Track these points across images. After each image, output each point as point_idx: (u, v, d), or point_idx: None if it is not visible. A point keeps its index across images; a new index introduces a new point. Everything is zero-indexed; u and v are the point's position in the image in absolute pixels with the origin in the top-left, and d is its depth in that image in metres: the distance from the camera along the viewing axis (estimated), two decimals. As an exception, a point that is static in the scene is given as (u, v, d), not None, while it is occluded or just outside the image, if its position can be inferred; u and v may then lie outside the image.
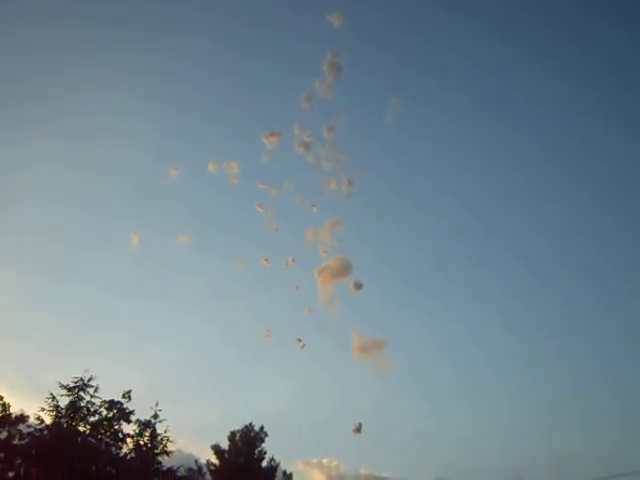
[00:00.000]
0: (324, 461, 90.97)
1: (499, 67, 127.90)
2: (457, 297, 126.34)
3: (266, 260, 58.14)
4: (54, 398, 31.47)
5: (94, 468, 31.03)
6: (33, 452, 30.57)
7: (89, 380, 32.23)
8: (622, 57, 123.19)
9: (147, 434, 33.22)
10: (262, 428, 47.49)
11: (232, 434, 47.01)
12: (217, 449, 46.25)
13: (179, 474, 35.71)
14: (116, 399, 32.59)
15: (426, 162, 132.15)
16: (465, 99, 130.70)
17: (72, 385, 31.92)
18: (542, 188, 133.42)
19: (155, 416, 33.61)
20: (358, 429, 45.52)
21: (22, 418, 33.27)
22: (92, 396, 32.07)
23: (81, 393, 31.98)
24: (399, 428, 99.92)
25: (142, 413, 33.42)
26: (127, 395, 33.01)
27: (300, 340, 50.18)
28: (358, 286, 54.07)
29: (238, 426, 47.44)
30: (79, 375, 32.21)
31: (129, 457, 32.44)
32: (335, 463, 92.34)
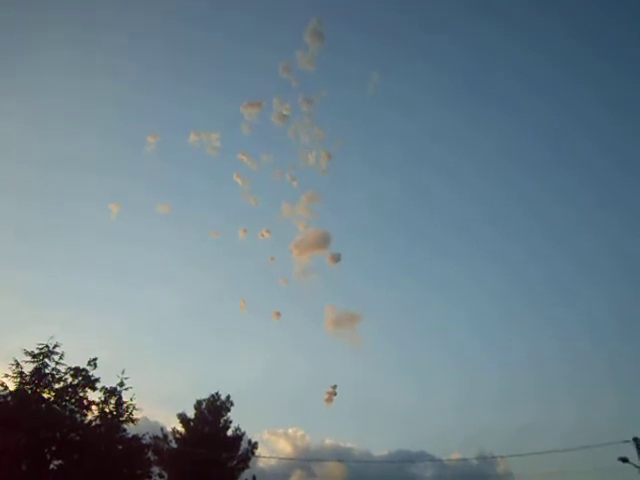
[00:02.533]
0: (290, 431, 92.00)
1: (479, 45, 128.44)
2: (434, 272, 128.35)
3: (244, 231, 57.81)
4: (18, 364, 31.17)
5: (58, 435, 30.85)
6: (-4, 418, 30.25)
7: (54, 347, 32.01)
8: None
9: (112, 402, 33.10)
10: (228, 398, 47.87)
11: (198, 403, 47.28)
12: (183, 418, 46.48)
13: (144, 442, 35.76)
14: (82, 366, 32.43)
15: (406, 137, 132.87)
16: (446, 77, 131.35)
17: (37, 352, 31.64)
18: (517, 155, 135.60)
19: (121, 384, 33.50)
20: (333, 392, 45.82)
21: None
22: (57, 363, 31.86)
23: (46, 360, 31.72)
24: (365, 401, 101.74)
25: (108, 381, 33.39)
26: (93, 363, 32.83)
27: (278, 315, 50.30)
28: (336, 259, 54.22)
29: (205, 395, 47.77)
30: (44, 342, 32.01)
31: (94, 424, 32.33)
32: (301, 433, 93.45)
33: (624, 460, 34.64)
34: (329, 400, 46.07)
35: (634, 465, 34.28)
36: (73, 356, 33.10)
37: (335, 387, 45.86)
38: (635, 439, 34.12)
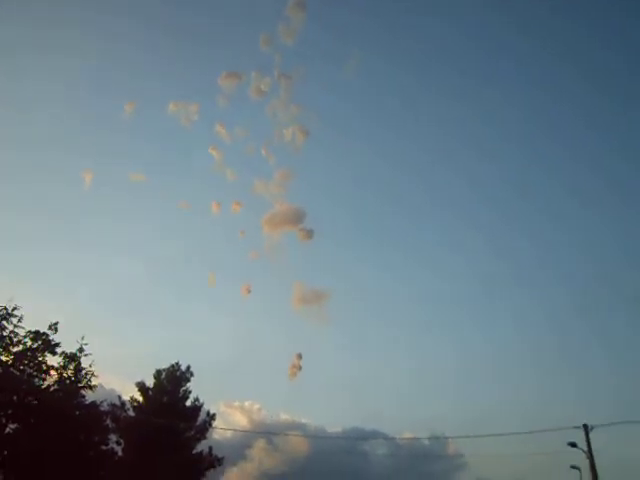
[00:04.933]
0: (246, 404, 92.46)
1: (465, 24, 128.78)
2: (406, 252, 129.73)
3: (217, 204, 56.96)
4: (-26, 325, 30.34)
5: (15, 398, 30.31)
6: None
7: (13, 310, 31.10)
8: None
9: (71, 367, 32.60)
10: (188, 368, 47.65)
11: (158, 372, 46.94)
12: (142, 386, 46.11)
13: (102, 409, 35.48)
14: (42, 330, 31.74)
15: (386, 114, 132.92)
16: (429, 56, 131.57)
17: (-6, 314, 30.80)
18: (500, 126, 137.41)
19: (81, 350, 33.01)
20: (297, 365, 45.89)
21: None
22: (16, 326, 31.02)
23: (4, 322, 30.84)
24: (323, 379, 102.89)
25: (68, 346, 32.82)
26: (54, 327, 32.13)
27: (249, 290, 49.92)
28: (308, 235, 53.95)
29: (165, 366, 47.46)
30: (2, 304, 31.17)
31: (52, 389, 31.84)
32: (257, 407, 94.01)
33: (573, 445, 35.92)
34: (293, 374, 46.28)
35: (582, 450, 35.54)
36: (33, 321, 32.33)
37: (300, 356, 46.04)
38: (585, 425, 35.31)
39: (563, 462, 41.21)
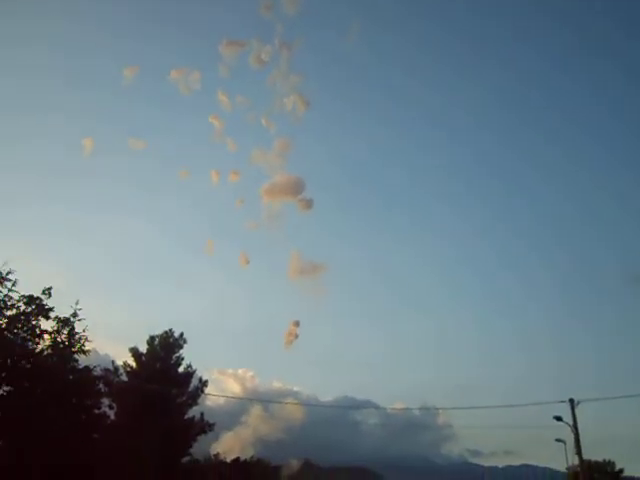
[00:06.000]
0: (240, 371, 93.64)
1: None
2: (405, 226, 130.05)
3: (216, 173, 56.48)
4: (-33, 289, 30.35)
5: (9, 362, 30.51)
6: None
7: (7, 274, 31.04)
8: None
9: (65, 332, 32.70)
10: (181, 335, 48.07)
11: (151, 338, 47.35)
12: (135, 352, 46.54)
13: (95, 373, 35.80)
14: (36, 295, 31.79)
15: (388, 82, 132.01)
16: (432, 25, 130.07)
17: (-12, 277, 30.79)
18: (506, 101, 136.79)
19: (74, 314, 33.07)
20: (294, 332, 46.29)
21: None
22: (10, 290, 31.00)
23: (-2, 286, 30.94)
24: (317, 348, 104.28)
25: (61, 311, 32.92)
26: (47, 292, 32.10)
27: (247, 260, 49.77)
28: (308, 204, 53.59)
29: (158, 332, 47.82)
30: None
31: (46, 353, 32.04)
32: (250, 374, 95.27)
33: (558, 419, 36.66)
34: (289, 342, 46.83)
35: (567, 424, 36.25)
36: (28, 284, 32.35)
37: (297, 324, 46.55)
38: (571, 400, 35.95)
39: (548, 435, 42.07)
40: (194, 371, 47.61)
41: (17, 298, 31.11)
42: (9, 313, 30.95)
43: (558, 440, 41.76)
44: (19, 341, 31.20)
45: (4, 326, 30.78)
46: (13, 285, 31.02)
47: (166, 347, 47.20)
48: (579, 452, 35.94)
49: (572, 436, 36.14)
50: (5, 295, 30.85)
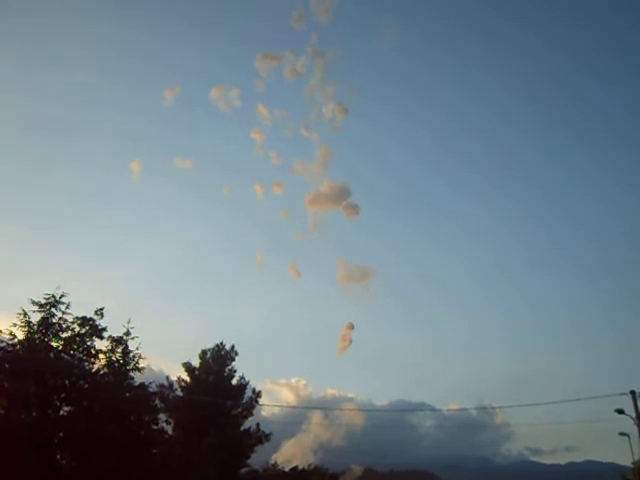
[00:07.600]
0: (292, 381, 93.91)
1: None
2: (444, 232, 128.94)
3: (260, 187, 56.88)
4: (26, 314, 31.32)
5: (67, 382, 31.34)
6: (6, 366, 30.64)
7: (61, 297, 31.99)
8: None
9: (119, 350, 33.38)
10: (233, 347, 48.55)
11: (203, 352, 47.94)
12: (188, 366, 47.19)
13: (151, 390, 36.35)
14: (88, 316, 32.62)
15: (425, 86, 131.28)
16: (465, 30, 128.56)
17: (44, 302, 31.73)
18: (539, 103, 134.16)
19: (127, 333, 33.74)
20: (349, 336, 46.05)
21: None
22: (64, 313, 31.91)
23: (53, 309, 31.80)
24: (369, 353, 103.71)
25: (114, 330, 33.63)
26: (99, 312, 32.98)
27: (297, 272, 49.86)
28: (355, 210, 53.43)
29: (210, 346, 48.37)
30: (50, 292, 32.06)
31: (102, 372, 32.78)
32: (303, 383, 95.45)
33: (620, 412, 35.47)
34: (343, 347, 46.95)
35: (630, 417, 35.04)
36: (79, 306, 33.21)
37: (352, 326, 46.60)
38: (632, 392, 34.76)
39: (612, 429, 40.73)
40: (247, 382, 48.02)
41: (71, 320, 32.04)
42: (65, 335, 31.85)
43: (621, 434, 40.41)
44: (76, 362, 32.03)
45: (61, 348, 31.70)
46: (67, 308, 31.98)
47: (218, 360, 47.71)
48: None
49: (636, 429, 34.93)
50: (60, 318, 31.80)
